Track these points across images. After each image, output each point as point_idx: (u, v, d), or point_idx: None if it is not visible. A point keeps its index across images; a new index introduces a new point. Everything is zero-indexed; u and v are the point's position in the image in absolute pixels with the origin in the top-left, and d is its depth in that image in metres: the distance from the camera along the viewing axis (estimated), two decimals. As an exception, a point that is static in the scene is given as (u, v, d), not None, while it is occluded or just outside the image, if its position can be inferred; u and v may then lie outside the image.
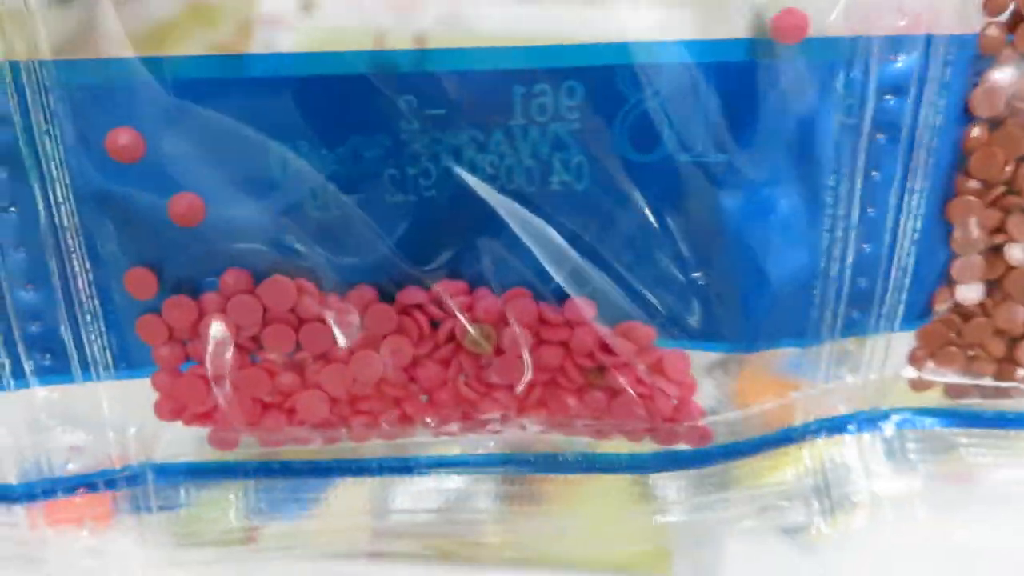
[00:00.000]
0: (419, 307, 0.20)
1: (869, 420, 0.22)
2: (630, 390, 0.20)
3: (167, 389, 0.20)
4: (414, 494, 0.22)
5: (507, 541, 0.22)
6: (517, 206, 0.19)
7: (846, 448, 0.22)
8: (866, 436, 0.22)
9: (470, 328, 0.20)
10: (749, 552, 0.23)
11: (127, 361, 0.20)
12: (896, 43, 0.18)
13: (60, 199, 0.18)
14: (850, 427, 0.22)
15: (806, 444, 0.22)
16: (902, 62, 0.18)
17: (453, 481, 0.22)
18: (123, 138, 0.18)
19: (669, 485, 0.22)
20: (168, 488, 0.22)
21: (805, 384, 0.21)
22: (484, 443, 0.22)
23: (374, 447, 0.22)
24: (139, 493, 0.22)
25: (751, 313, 0.20)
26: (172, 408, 0.21)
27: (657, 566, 0.23)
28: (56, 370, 0.20)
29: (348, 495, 0.22)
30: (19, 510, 0.21)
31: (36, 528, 0.21)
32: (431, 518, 0.22)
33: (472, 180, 0.19)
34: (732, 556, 0.22)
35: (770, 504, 0.22)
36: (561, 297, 0.20)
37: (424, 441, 0.22)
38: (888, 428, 0.22)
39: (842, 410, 0.22)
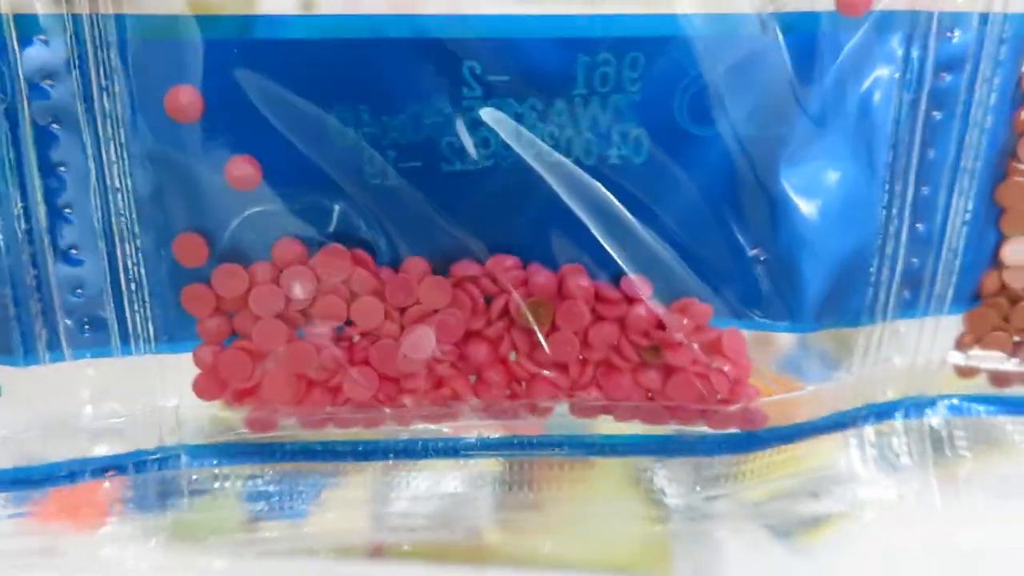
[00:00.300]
0: (473, 281, 0.20)
1: (916, 406, 0.22)
2: (686, 369, 0.20)
3: (210, 364, 0.19)
4: (414, 494, 0.22)
5: (507, 541, 0.22)
6: (576, 179, 0.19)
7: (894, 435, 0.22)
8: (914, 423, 0.22)
9: (524, 304, 0.20)
10: (749, 552, 0.22)
11: (169, 335, 0.19)
12: (953, 19, 0.19)
13: (113, 159, 0.18)
14: (897, 413, 0.22)
15: (854, 430, 0.22)
16: (958, 38, 0.19)
17: (453, 482, 0.21)
18: (183, 97, 0.18)
19: (671, 484, 0.21)
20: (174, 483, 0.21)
21: (855, 366, 0.21)
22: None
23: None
24: (149, 484, 0.21)
25: (809, 291, 0.20)
26: (213, 385, 0.20)
27: (657, 566, 0.22)
28: (95, 343, 0.19)
29: (348, 495, 0.22)
30: (27, 506, 0.20)
31: (41, 525, 0.20)
32: (431, 518, 0.22)
33: (531, 151, 0.19)
34: (732, 556, 0.22)
35: (815, 490, 0.22)
36: (617, 274, 0.20)
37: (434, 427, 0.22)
38: (936, 415, 0.22)
39: (890, 395, 0.22)
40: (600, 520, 0.22)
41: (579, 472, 0.22)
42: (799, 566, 0.22)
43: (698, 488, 0.21)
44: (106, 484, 0.20)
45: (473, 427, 0.21)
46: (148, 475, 0.20)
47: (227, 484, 0.21)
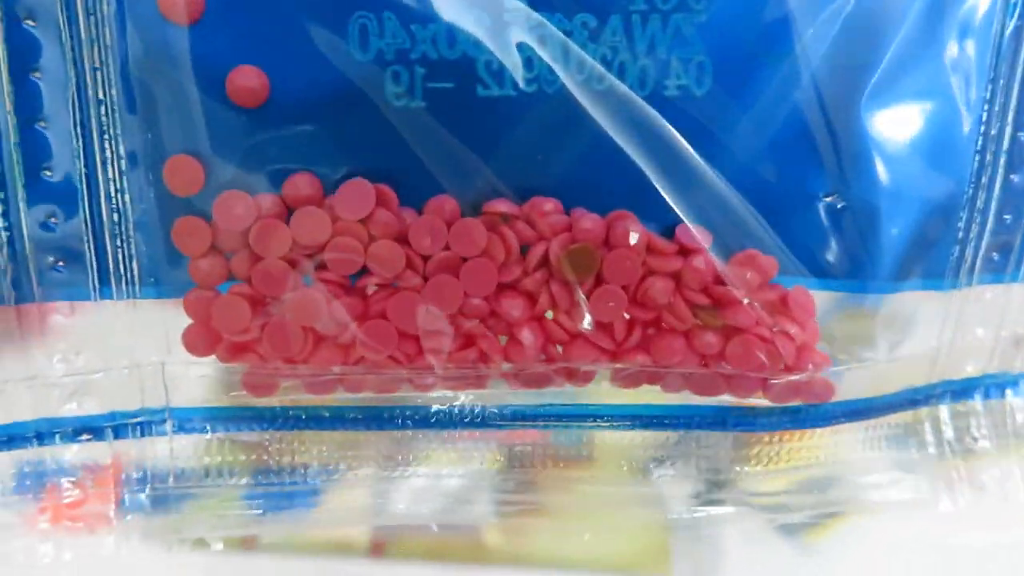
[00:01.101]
0: (508, 225, 0.17)
1: (997, 386, 0.20)
2: (748, 332, 0.17)
3: (203, 312, 0.17)
4: (413, 494, 0.20)
5: (507, 541, 0.22)
6: (629, 110, 0.17)
7: (972, 416, 0.20)
8: (995, 403, 0.20)
9: (565, 253, 0.17)
10: (749, 552, 0.22)
11: (155, 276, 0.17)
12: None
13: (96, 64, 0.15)
14: (977, 392, 0.20)
15: (928, 409, 0.20)
16: (1069, -41, 0.17)
17: (453, 481, 0.20)
18: (180, -8, 0.15)
19: (672, 484, 0.19)
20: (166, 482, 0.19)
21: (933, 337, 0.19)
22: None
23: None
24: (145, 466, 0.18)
25: (889, 246, 0.17)
26: (205, 338, 0.17)
27: (657, 566, 0.22)
28: (69, 283, 0.17)
29: (348, 494, 0.20)
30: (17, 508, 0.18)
31: (35, 526, 0.18)
32: (431, 518, 0.20)
33: (579, 76, 0.17)
34: (732, 556, 0.22)
35: (885, 479, 0.19)
36: (670, 224, 0.18)
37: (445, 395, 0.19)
38: (1019, 396, 0.20)
39: (969, 371, 0.20)
40: (600, 520, 0.21)
41: (579, 472, 0.20)
42: (799, 566, 0.22)
43: (738, 468, 0.19)
44: (76, 448, 0.17)
45: (502, 396, 0.19)
46: (129, 443, 0.18)
47: (220, 474, 0.19)
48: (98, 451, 0.18)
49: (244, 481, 0.19)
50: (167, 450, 0.18)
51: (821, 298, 0.18)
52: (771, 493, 0.20)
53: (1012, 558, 0.21)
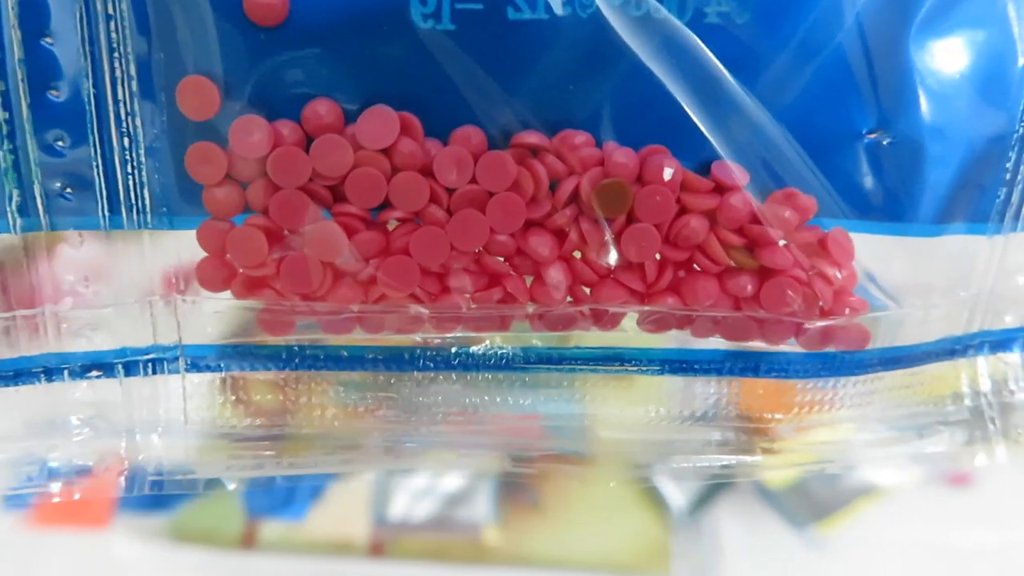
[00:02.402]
0: (536, 157, 0.16)
1: (1037, 337, 0.19)
2: (785, 273, 0.17)
3: (217, 245, 0.16)
4: (414, 493, 0.19)
5: (507, 541, 0.22)
6: (669, 38, 0.16)
7: (1010, 368, 0.19)
8: (1034, 356, 0.19)
9: (597, 189, 0.16)
10: (749, 551, 0.23)
11: (168, 205, 0.16)
12: None
13: (105, -24, 0.15)
14: (1016, 345, 0.19)
15: (966, 360, 0.19)
16: None
17: (453, 480, 0.19)
18: (194, -103, 0.14)
19: (672, 483, 0.19)
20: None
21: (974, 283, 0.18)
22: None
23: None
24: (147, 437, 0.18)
25: (934, 185, 0.17)
26: (220, 272, 0.16)
27: (657, 566, 0.23)
28: (78, 211, 0.16)
29: (348, 493, 0.21)
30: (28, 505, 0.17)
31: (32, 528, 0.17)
32: (431, 517, 0.21)
33: (615, 0, 0.16)
34: (732, 555, 0.22)
35: (919, 429, 0.19)
36: (705, 161, 0.17)
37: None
38: (1058, 348, 0.19)
39: (1009, 322, 0.19)
40: (600, 520, 0.22)
41: (579, 471, 0.20)
42: (799, 564, 0.22)
43: (783, 414, 0.18)
44: (85, 385, 0.17)
45: (525, 337, 0.18)
46: (140, 381, 0.17)
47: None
48: (108, 389, 0.17)
49: (259, 423, 0.18)
50: (179, 388, 0.17)
51: (860, 240, 0.17)
52: (802, 445, 0.19)
53: (1010, 558, 0.21)
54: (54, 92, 0.15)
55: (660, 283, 0.17)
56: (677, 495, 0.23)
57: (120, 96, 0.15)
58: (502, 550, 0.22)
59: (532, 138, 0.16)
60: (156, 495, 0.18)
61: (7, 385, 0.16)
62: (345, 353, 0.18)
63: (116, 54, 0.15)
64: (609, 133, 0.17)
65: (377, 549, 0.23)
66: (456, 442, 0.19)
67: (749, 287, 0.17)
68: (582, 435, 0.19)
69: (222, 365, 0.17)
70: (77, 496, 0.17)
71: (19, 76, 0.15)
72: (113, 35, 0.15)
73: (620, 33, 0.16)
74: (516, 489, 0.21)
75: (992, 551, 0.22)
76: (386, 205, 0.16)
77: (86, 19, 0.15)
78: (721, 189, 0.17)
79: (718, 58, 0.16)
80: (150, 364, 0.17)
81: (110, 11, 0.15)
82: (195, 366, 0.17)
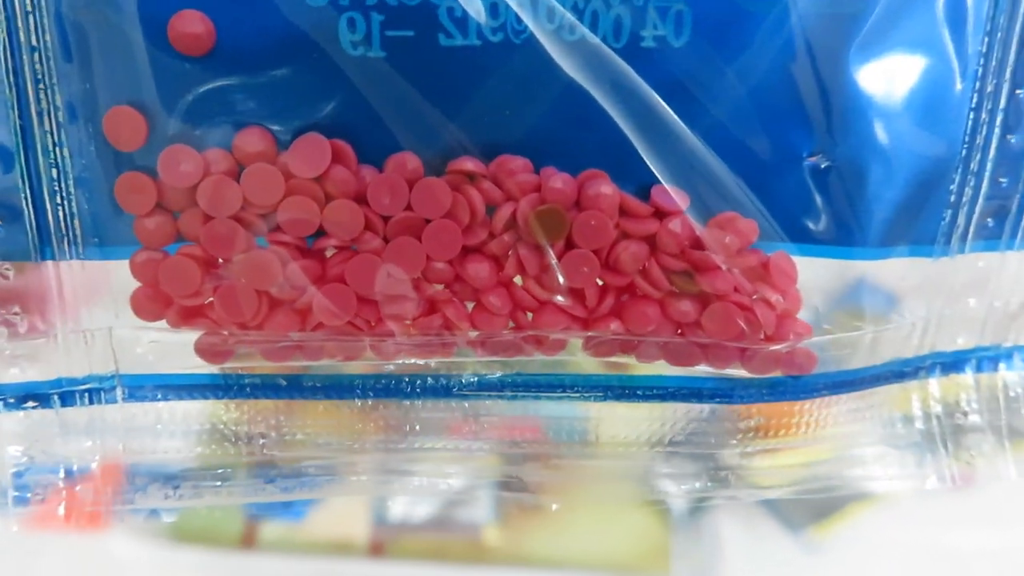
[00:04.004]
0: (473, 184, 0.16)
1: (991, 359, 0.19)
2: (726, 299, 0.17)
3: (150, 275, 0.16)
4: (413, 494, 0.19)
5: (507, 541, 0.22)
6: (603, 63, 0.16)
7: (962, 391, 0.19)
8: (986, 377, 0.19)
9: (534, 215, 0.16)
10: (749, 551, 0.22)
11: (99, 236, 0.16)
12: None
13: (28, 8, 0.14)
14: (968, 365, 0.19)
15: (917, 382, 0.19)
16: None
17: (452, 480, 0.19)
18: (115, -72, 0.14)
19: (673, 483, 0.19)
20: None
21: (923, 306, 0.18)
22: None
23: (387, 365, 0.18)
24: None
25: (877, 209, 0.17)
26: (154, 301, 0.16)
27: (657, 566, 0.23)
28: (7, 243, 0.16)
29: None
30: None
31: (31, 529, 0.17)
32: (431, 518, 0.20)
33: (548, 25, 0.16)
34: (731, 555, 0.22)
35: (868, 455, 0.19)
36: (646, 184, 0.17)
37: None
38: (1012, 369, 0.19)
39: (960, 344, 0.19)
40: (600, 519, 0.21)
41: (579, 471, 0.19)
42: (799, 565, 0.22)
43: (734, 441, 0.18)
44: (21, 416, 0.17)
45: (469, 364, 0.18)
46: (77, 411, 0.17)
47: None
48: (46, 419, 0.17)
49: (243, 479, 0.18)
50: (117, 419, 0.17)
51: (804, 264, 0.17)
52: (755, 469, 0.19)
53: (1010, 559, 0.21)
54: (-21, 125, 0.15)
55: (601, 308, 0.17)
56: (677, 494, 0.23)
57: (47, 127, 0.15)
58: (502, 550, 0.22)
59: (468, 164, 0.16)
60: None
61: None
62: (283, 381, 0.17)
63: (42, 85, 0.15)
64: (547, 157, 0.17)
65: (377, 549, 0.23)
66: (455, 445, 0.19)
67: (691, 312, 0.17)
68: (583, 435, 0.19)
69: (159, 395, 0.17)
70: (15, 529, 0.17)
71: (-58, 109, 0.15)
72: (38, 66, 0.15)
73: (556, 58, 0.16)
74: (516, 488, 0.20)
75: (991, 553, 0.22)
76: (322, 232, 0.16)
77: (10, 50, 0.15)
78: (661, 214, 0.17)
79: (657, 81, 0.16)
80: (87, 394, 0.17)
81: (34, 42, 0.15)
82: (133, 396, 0.17)
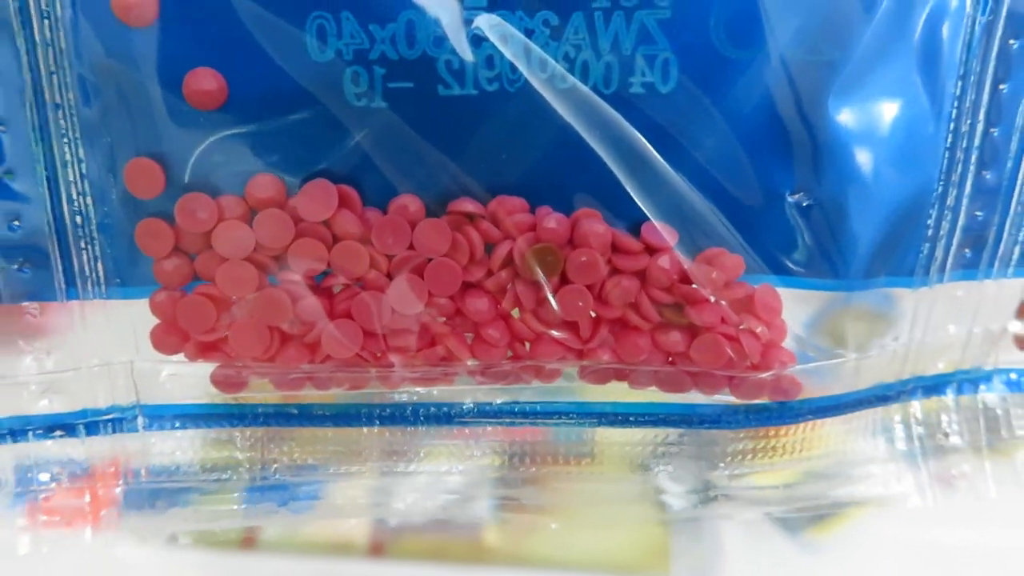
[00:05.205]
0: (472, 224, 0.17)
1: (970, 381, 0.20)
2: (713, 330, 0.17)
3: (168, 313, 0.17)
4: (414, 493, 0.20)
5: (507, 541, 0.22)
6: (593, 109, 0.17)
7: (944, 412, 0.20)
8: (966, 399, 0.20)
9: (530, 252, 0.17)
10: (748, 551, 0.22)
11: (121, 277, 0.17)
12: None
13: (52, 68, 0.15)
14: (949, 388, 0.20)
15: (899, 405, 0.19)
16: (1044, -50, 0.16)
17: (453, 480, 0.20)
18: (134, -6, 0.15)
19: (674, 483, 0.19)
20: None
21: (904, 333, 0.19)
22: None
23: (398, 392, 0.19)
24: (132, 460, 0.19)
25: (857, 243, 0.17)
26: (173, 337, 0.17)
27: (657, 566, 0.22)
28: (35, 285, 0.17)
29: (348, 494, 0.20)
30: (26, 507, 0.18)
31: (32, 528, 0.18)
32: (431, 518, 0.20)
33: (541, 74, 0.16)
34: (731, 555, 0.22)
35: (853, 475, 0.19)
36: (637, 222, 0.17)
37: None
38: (991, 391, 0.20)
39: (941, 368, 0.19)
40: (600, 519, 0.21)
41: (579, 471, 0.20)
42: (799, 565, 0.22)
43: (722, 464, 0.19)
44: (50, 444, 0.18)
45: (469, 392, 0.19)
46: (102, 440, 0.18)
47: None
48: (72, 448, 0.18)
49: (243, 480, 0.19)
50: (139, 447, 0.18)
51: (788, 296, 0.18)
52: (743, 489, 0.20)
53: (1010, 559, 0.21)
54: (8, 175, 0.16)
55: (595, 340, 0.18)
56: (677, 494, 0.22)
57: (71, 177, 0.16)
58: (502, 550, 0.22)
59: (468, 205, 0.17)
60: (134, 490, 0.19)
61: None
62: (295, 410, 0.18)
63: (66, 139, 0.16)
64: (542, 198, 0.17)
65: (377, 549, 0.23)
66: (455, 446, 0.20)
67: (681, 343, 0.18)
68: (583, 434, 0.20)
69: (178, 424, 0.18)
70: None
71: (-26, 163, 0.16)
72: (62, 122, 0.16)
73: (551, 103, 0.17)
74: (516, 487, 0.21)
75: (990, 553, 0.22)
76: (331, 270, 0.17)
77: (36, 108, 0.16)
78: (651, 250, 0.17)
79: (646, 125, 0.17)
80: (110, 424, 0.18)
81: (58, 100, 0.16)
82: (153, 425, 0.18)
